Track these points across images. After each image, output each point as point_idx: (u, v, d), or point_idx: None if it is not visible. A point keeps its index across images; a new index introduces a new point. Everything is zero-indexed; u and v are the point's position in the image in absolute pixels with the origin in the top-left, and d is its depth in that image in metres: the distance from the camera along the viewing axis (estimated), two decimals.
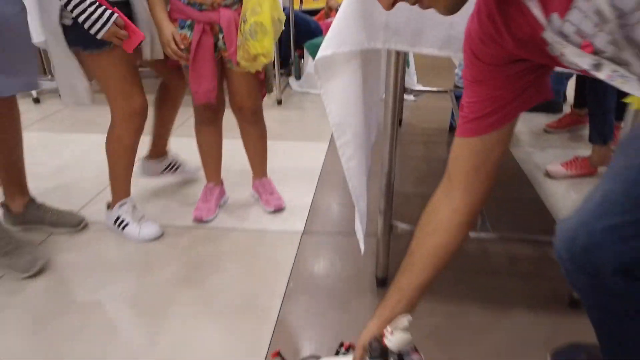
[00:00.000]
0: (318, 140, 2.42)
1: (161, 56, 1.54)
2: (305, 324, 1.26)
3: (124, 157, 1.58)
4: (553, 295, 1.33)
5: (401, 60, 1.10)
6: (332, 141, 2.41)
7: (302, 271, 1.46)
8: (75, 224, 1.68)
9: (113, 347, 1.18)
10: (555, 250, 0.80)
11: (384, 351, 0.88)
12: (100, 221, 1.72)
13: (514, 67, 0.70)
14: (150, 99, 1.64)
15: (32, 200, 1.67)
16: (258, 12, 1.37)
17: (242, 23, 1.40)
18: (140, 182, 1.90)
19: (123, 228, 1.62)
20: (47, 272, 1.47)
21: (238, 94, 1.61)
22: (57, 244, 1.61)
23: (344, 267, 1.48)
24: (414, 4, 0.61)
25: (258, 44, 1.40)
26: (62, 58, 1.41)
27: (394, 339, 0.85)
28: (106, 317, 1.29)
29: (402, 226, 1.30)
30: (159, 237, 1.63)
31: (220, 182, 1.82)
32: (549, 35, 0.58)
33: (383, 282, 1.37)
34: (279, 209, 1.78)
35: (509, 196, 1.87)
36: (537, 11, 0.58)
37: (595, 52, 0.55)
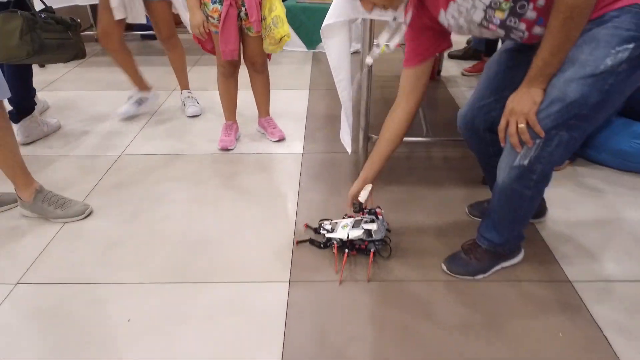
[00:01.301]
0: (299, 89, 3.02)
1: (138, 21, 2.46)
2: (315, 203, 1.91)
3: (175, 62, 2.68)
4: (472, 177, 2.05)
5: (369, 24, 1.72)
6: (310, 89, 3.02)
7: (308, 175, 2.11)
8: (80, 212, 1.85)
9: (190, 226, 1.80)
10: (458, 126, 1.51)
11: (361, 206, 1.56)
12: (151, 153, 2.29)
13: (429, 30, 1.35)
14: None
15: (40, 189, 1.84)
16: (274, 9, 2.00)
17: (263, 21, 2.00)
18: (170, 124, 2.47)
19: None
20: (129, 186, 2.04)
21: (252, 52, 2.19)
22: (126, 167, 2.18)
23: (335, 170, 2.15)
24: (382, 8, 1.24)
25: (281, 30, 2.01)
26: None
27: (362, 195, 1.53)
28: (180, 209, 1.90)
29: (375, 137, 1.96)
30: (199, 114, 2.68)
31: (236, 121, 2.42)
32: (441, 19, 1.25)
33: None
34: (282, 139, 2.40)
35: (446, 120, 2.57)
36: (432, 9, 1.23)
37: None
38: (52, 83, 3.24)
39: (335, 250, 1.60)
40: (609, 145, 2.07)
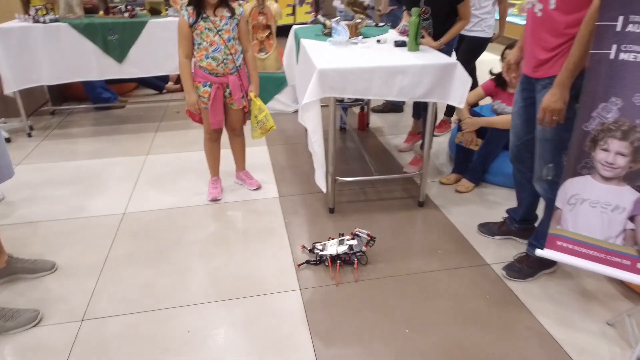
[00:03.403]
0: (259, 145, 3.62)
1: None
2: (301, 232, 2.49)
3: None
4: (411, 203, 2.77)
5: (334, 100, 2.41)
6: (269, 145, 3.63)
7: (289, 212, 2.69)
8: (49, 267, 2.19)
9: (210, 260, 2.29)
10: (510, 159, 2.19)
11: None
12: (152, 209, 2.74)
13: None
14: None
15: (10, 256, 2.12)
16: (263, 109, 2.64)
17: (255, 117, 2.65)
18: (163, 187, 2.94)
19: None
20: (145, 237, 2.47)
21: (233, 121, 2.77)
22: (134, 223, 2.60)
23: (309, 207, 2.75)
24: None
25: (270, 122, 2.66)
26: None
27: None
28: (197, 249, 2.37)
29: (340, 179, 2.61)
30: None
31: (219, 176, 2.95)
32: None
33: (332, 210, 2.67)
34: (259, 187, 2.97)
35: (382, 162, 3.31)
36: None
37: None
38: (28, 156, 3.52)
39: (329, 263, 2.19)
40: (501, 170, 2.91)
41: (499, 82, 2.96)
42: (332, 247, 2.20)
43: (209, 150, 2.85)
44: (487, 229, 2.45)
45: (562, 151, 1.84)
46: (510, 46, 2.81)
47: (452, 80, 2.37)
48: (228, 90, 2.63)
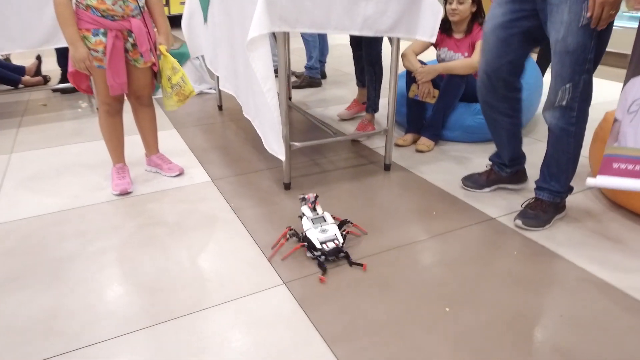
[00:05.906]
0: (165, 130, 2.90)
1: None
2: (258, 215, 1.90)
3: None
4: (374, 168, 2.33)
5: (287, 38, 1.87)
6: (176, 128, 2.93)
7: (234, 196, 2.07)
8: None
9: (140, 269, 1.60)
10: (481, 80, 1.83)
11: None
12: (32, 216, 1.91)
13: None
14: None
15: None
16: (177, 70, 1.99)
17: (168, 80, 1.98)
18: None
19: None
20: (25, 254, 1.67)
21: (139, 85, 2.05)
22: (3, 237, 1.76)
23: (257, 185, 2.16)
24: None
25: (187, 87, 2.01)
26: None
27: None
28: (113, 258, 1.65)
29: (295, 144, 2.07)
30: None
31: (125, 162, 2.20)
32: None
33: (288, 186, 2.12)
34: (181, 173, 2.28)
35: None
36: None
37: None
38: None
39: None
40: (459, 124, 2.61)
41: (443, 28, 2.66)
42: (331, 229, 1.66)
43: (109, 128, 2.10)
44: (473, 181, 2.11)
45: (583, 66, 1.54)
46: None
47: (421, 8, 1.98)
48: (130, 41, 1.93)
